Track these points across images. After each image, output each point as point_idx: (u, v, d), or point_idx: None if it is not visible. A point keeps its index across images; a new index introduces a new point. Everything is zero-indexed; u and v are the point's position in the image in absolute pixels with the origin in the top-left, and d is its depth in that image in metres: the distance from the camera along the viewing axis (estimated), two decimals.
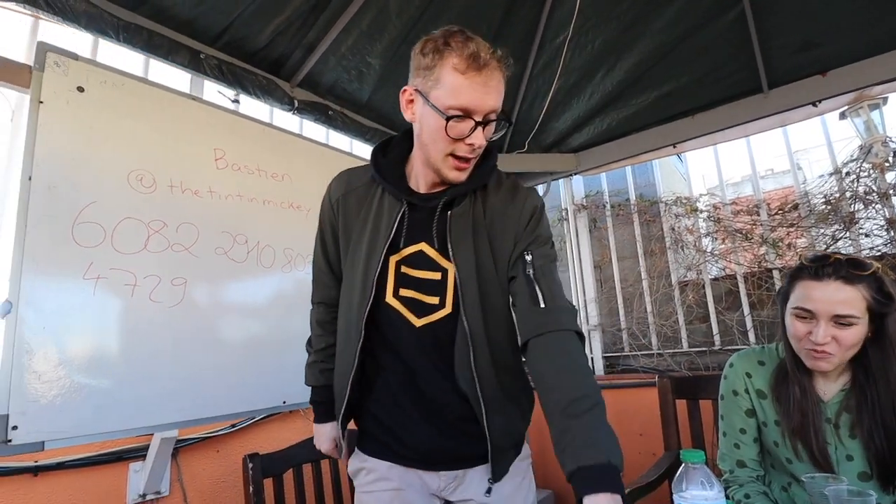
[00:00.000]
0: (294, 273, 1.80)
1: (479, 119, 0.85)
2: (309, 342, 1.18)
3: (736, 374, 1.23)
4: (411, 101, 0.92)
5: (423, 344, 0.97)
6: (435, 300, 0.96)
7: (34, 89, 1.31)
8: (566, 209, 3.14)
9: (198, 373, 1.49)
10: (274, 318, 1.72)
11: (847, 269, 1.03)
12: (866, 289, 1.01)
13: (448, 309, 0.95)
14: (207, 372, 1.51)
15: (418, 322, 0.97)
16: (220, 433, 1.84)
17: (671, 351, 2.66)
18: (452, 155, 0.89)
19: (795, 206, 2.48)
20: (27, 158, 1.26)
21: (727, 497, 1.20)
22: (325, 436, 1.14)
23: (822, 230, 2.37)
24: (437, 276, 0.96)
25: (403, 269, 0.97)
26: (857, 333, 1.02)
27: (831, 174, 2.40)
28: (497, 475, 0.98)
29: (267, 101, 1.93)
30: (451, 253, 0.93)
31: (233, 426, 1.87)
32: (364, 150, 2.32)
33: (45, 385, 1.20)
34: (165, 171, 1.51)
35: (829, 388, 1.12)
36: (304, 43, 1.91)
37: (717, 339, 2.54)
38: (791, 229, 2.48)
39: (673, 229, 2.80)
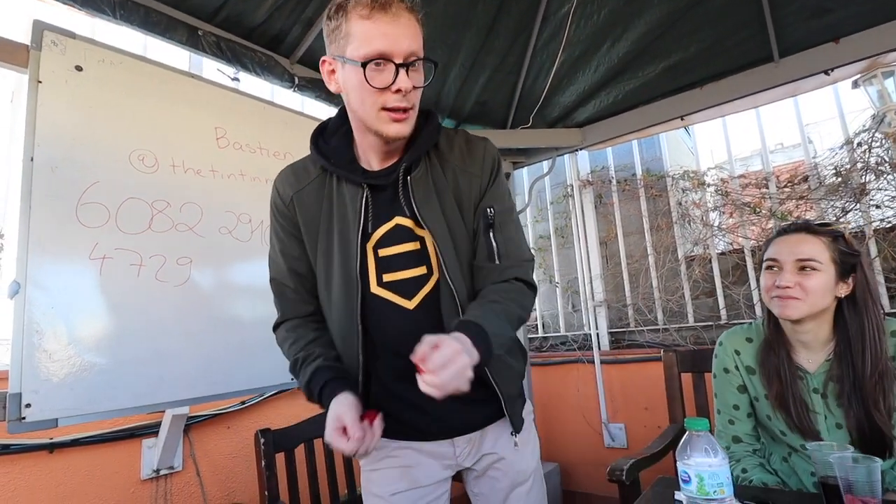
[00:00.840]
0: None
1: (399, 61, 0.81)
2: (294, 365, 0.97)
3: (725, 352, 1.25)
4: (332, 70, 0.88)
5: (419, 325, 0.90)
6: (423, 269, 0.93)
7: (32, 69, 1.30)
8: (571, 185, 3.11)
9: (207, 351, 1.50)
10: None
11: (810, 223, 1.13)
12: (829, 241, 1.09)
13: (436, 275, 0.93)
14: (217, 350, 1.53)
15: (411, 304, 0.94)
16: (230, 410, 1.87)
17: (677, 326, 2.66)
18: (385, 109, 0.84)
19: (805, 179, 2.45)
20: (28, 139, 1.26)
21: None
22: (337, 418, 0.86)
23: (832, 202, 2.34)
24: (416, 245, 0.93)
25: (381, 252, 0.94)
26: (820, 281, 1.07)
27: (842, 146, 2.35)
28: (517, 426, 0.99)
29: (267, 79, 1.90)
30: (421, 219, 0.90)
31: (243, 403, 1.90)
32: None
33: (56, 364, 1.22)
34: (166, 150, 1.51)
35: (814, 359, 1.15)
36: (303, 18, 1.88)
37: (723, 313, 2.53)
38: (801, 202, 2.45)
39: (680, 204, 2.77)
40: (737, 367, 1.23)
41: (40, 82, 1.30)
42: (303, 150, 1.98)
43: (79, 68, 1.37)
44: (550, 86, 2.42)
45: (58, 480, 1.48)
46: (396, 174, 0.91)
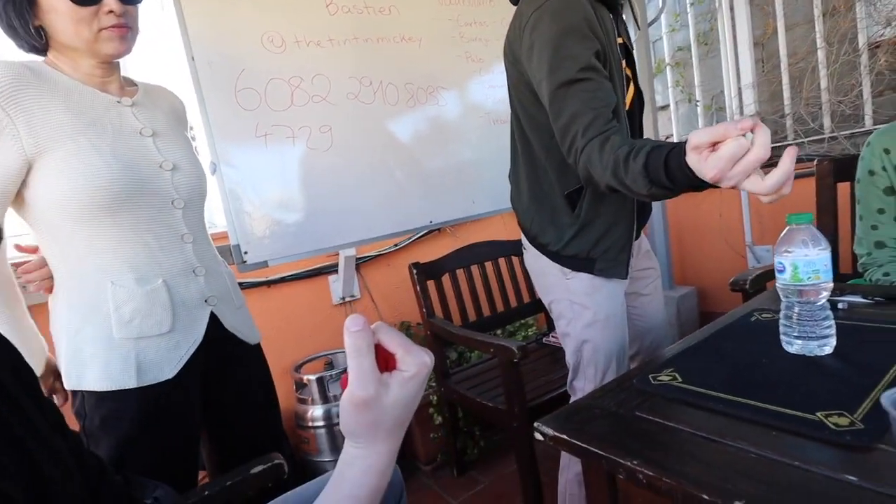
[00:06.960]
0: (418, 108, 1.91)
1: None
2: (617, 167, 0.79)
3: (872, 153, 1.17)
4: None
5: None
6: None
7: None
8: None
9: (360, 204, 1.77)
10: (414, 151, 1.90)
11: None
12: None
13: None
14: (368, 202, 1.78)
15: None
16: (387, 251, 2.24)
17: (849, 132, 2.28)
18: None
19: None
20: (185, 40, 1.47)
21: (866, 281, 1.17)
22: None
23: None
24: None
25: None
26: None
27: None
28: None
29: None
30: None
31: (396, 245, 2.25)
32: None
33: (256, 221, 1.58)
34: (287, 27, 1.63)
35: None
36: None
37: None
38: None
39: None
40: (884, 168, 1.13)
41: None
42: (405, 1, 1.93)
43: None
44: None
45: (277, 306, 2.01)
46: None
